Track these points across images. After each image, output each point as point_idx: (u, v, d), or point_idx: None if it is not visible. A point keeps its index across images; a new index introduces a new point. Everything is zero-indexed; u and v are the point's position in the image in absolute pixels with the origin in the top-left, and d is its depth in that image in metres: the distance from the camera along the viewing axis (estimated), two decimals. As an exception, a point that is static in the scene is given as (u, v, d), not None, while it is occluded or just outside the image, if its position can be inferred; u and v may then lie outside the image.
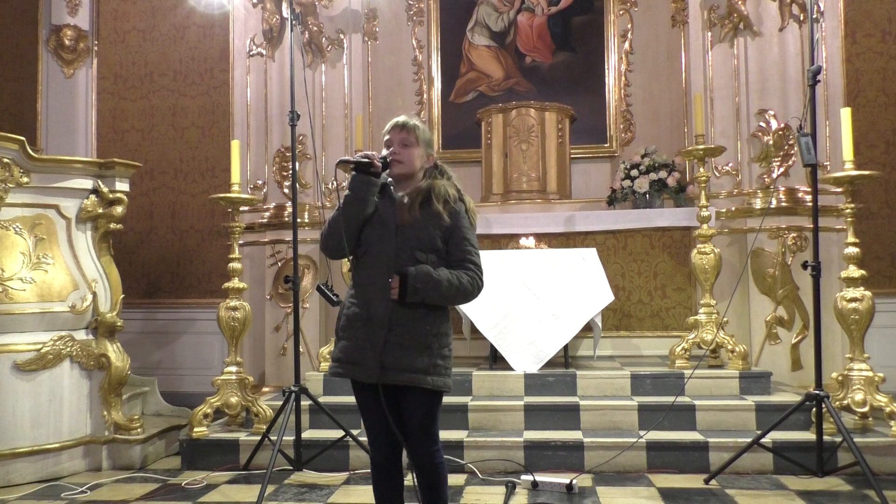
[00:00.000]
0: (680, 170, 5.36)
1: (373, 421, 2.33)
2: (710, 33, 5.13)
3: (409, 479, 2.40)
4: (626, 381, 4.14)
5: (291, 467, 3.72)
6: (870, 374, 3.69)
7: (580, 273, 4.47)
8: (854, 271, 3.74)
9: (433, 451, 2.31)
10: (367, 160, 2.26)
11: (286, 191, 5.36)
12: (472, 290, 2.29)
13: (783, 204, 4.77)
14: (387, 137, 2.40)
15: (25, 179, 3.81)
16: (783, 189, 4.81)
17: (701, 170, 4.39)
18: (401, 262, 2.24)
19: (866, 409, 3.65)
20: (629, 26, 5.93)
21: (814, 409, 3.52)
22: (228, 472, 3.81)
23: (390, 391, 2.26)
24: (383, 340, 2.22)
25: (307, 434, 3.85)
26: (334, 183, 5.52)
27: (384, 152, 2.37)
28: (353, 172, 2.30)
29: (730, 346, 4.17)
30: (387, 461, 2.37)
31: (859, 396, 3.66)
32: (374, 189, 2.30)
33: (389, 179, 2.38)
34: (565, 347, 4.35)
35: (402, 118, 2.40)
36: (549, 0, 6.04)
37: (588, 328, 4.53)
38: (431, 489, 2.32)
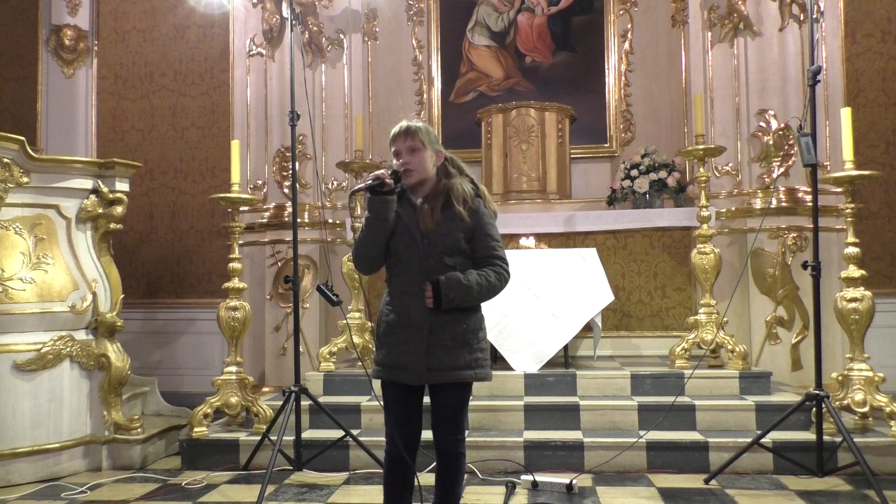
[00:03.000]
0: (680, 170, 5.36)
1: (402, 417, 2.39)
2: (710, 33, 5.13)
3: (418, 481, 2.43)
4: (626, 381, 4.14)
5: (291, 467, 3.72)
6: (870, 374, 3.69)
7: (580, 273, 4.47)
8: (854, 271, 3.74)
9: (459, 439, 2.41)
10: (378, 181, 2.29)
11: (286, 191, 5.36)
12: (500, 284, 2.38)
13: (783, 204, 4.77)
14: (393, 148, 2.40)
15: (25, 179, 3.81)
16: (783, 189, 4.81)
17: (701, 170, 4.39)
18: (430, 267, 2.31)
19: (866, 409, 3.65)
20: (629, 26, 5.93)
21: (814, 409, 3.52)
22: (228, 472, 3.80)
23: (421, 389, 2.40)
24: (426, 344, 2.30)
25: (307, 434, 3.85)
26: (334, 184, 5.52)
27: (394, 164, 2.38)
28: (368, 196, 2.32)
29: (730, 346, 4.17)
30: (402, 458, 2.39)
31: (859, 396, 3.66)
32: (394, 206, 2.33)
33: (405, 186, 2.40)
34: (565, 347, 4.35)
35: (403, 124, 2.39)
36: (549, 0, 6.04)
37: (588, 328, 4.53)
38: (452, 478, 2.40)
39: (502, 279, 2.37)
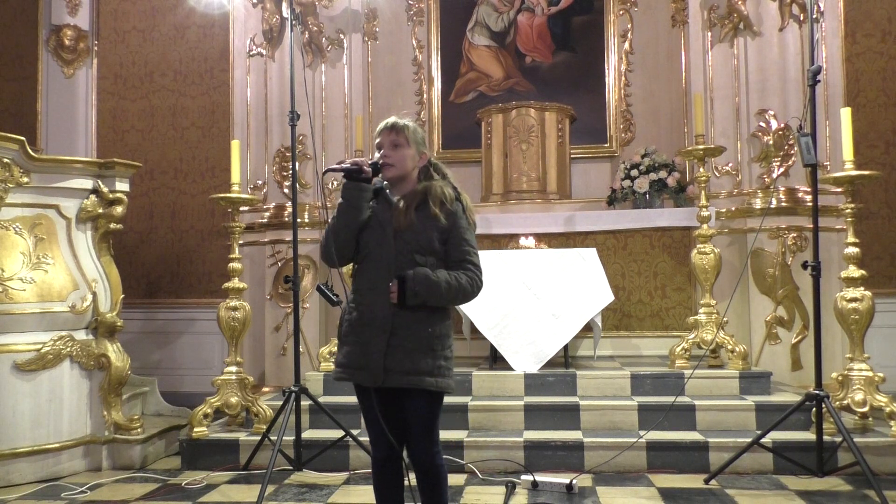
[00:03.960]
0: (680, 170, 5.36)
1: (374, 422, 2.33)
2: (710, 33, 5.13)
3: (409, 480, 2.40)
4: (626, 381, 4.14)
5: (291, 467, 3.72)
6: (870, 374, 3.69)
7: (580, 273, 4.47)
8: (854, 271, 3.74)
9: (434, 452, 2.32)
10: (355, 167, 2.26)
11: (286, 191, 5.36)
12: (471, 290, 2.29)
13: (783, 204, 4.77)
14: (377, 140, 2.38)
15: (25, 179, 3.81)
16: (783, 189, 4.81)
17: (701, 170, 4.39)
18: (400, 265, 2.25)
19: (866, 409, 3.65)
20: (629, 26, 5.93)
21: (814, 409, 3.52)
22: (228, 472, 3.81)
23: (392, 393, 2.28)
24: (386, 344, 2.23)
25: (307, 434, 3.85)
26: (334, 184, 5.52)
27: (376, 156, 2.37)
28: (344, 180, 2.30)
29: (730, 346, 4.17)
30: (388, 461, 2.38)
31: (859, 396, 3.66)
32: (367, 195, 2.30)
33: (385, 183, 2.37)
34: (565, 347, 4.35)
35: (391, 119, 2.38)
36: (549, 0, 6.04)
37: (588, 328, 4.53)
38: (432, 490, 2.33)
39: (474, 285, 2.29)
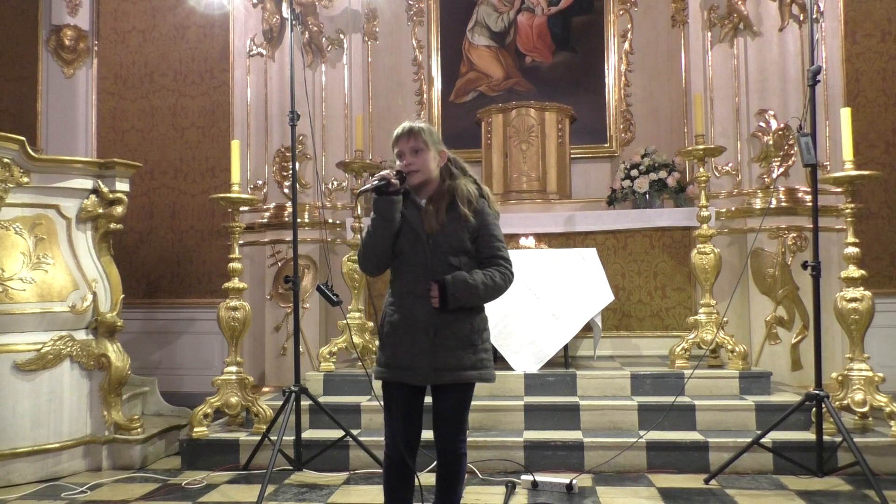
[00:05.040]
0: (680, 170, 5.36)
1: (404, 418, 2.38)
2: (710, 33, 5.14)
3: (418, 480, 2.43)
4: (626, 381, 4.14)
5: (291, 467, 3.72)
6: (870, 374, 3.69)
7: (580, 273, 4.47)
8: (854, 271, 3.74)
9: (461, 440, 2.42)
10: (384, 182, 2.29)
11: (286, 191, 5.36)
12: (505, 285, 2.38)
13: (783, 204, 4.77)
14: (397, 149, 2.40)
15: (25, 179, 3.81)
16: (783, 189, 4.81)
17: (701, 170, 4.39)
18: (435, 268, 2.31)
19: (866, 409, 3.65)
20: (629, 26, 5.93)
21: (814, 409, 3.52)
22: (228, 472, 3.80)
23: (421, 390, 2.40)
24: (430, 344, 2.30)
25: (307, 434, 3.85)
26: (334, 183, 5.52)
27: (397, 165, 2.39)
28: (374, 196, 2.32)
29: (730, 346, 4.17)
30: (402, 460, 2.39)
31: (859, 396, 3.65)
32: (399, 206, 2.34)
33: (409, 187, 2.40)
34: (565, 347, 4.35)
35: (406, 125, 2.40)
36: (549, 0, 6.04)
37: (588, 328, 4.53)
38: (454, 477, 2.40)
39: (507, 279, 2.37)
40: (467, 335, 2.34)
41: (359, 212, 4.37)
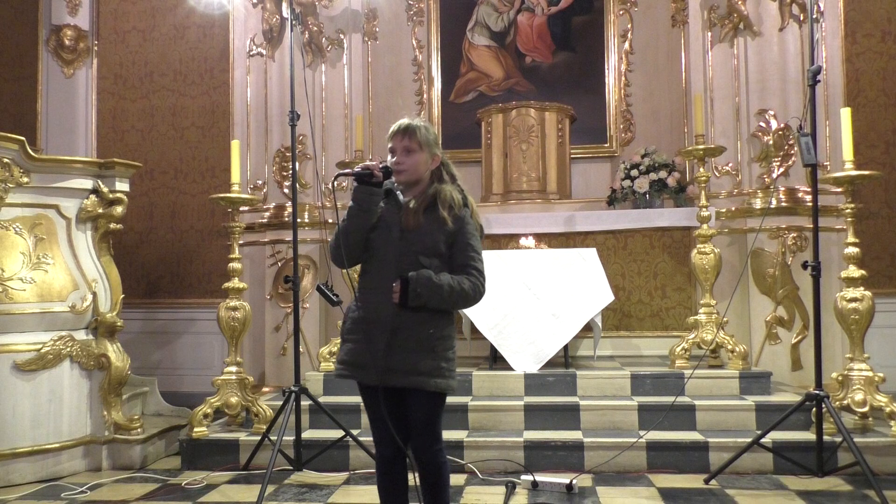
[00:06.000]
0: (680, 170, 5.36)
1: (380, 420, 2.33)
2: (710, 33, 5.13)
3: (412, 479, 2.39)
4: (626, 381, 4.14)
5: (291, 467, 3.72)
6: (870, 374, 3.69)
7: (580, 273, 4.47)
8: (854, 271, 3.74)
9: (436, 450, 2.33)
10: (367, 171, 2.27)
11: (286, 191, 5.36)
12: (473, 295, 2.29)
13: (783, 204, 4.77)
14: (390, 145, 2.38)
15: (25, 179, 3.81)
16: (783, 189, 4.81)
17: (701, 170, 4.39)
18: (404, 266, 2.25)
19: (866, 409, 3.65)
20: (629, 26, 5.93)
21: (814, 409, 3.52)
22: (228, 472, 3.80)
23: (395, 392, 2.28)
24: (387, 344, 2.24)
25: (307, 434, 3.85)
26: (335, 184, 5.51)
27: (388, 159, 2.37)
28: (355, 184, 2.30)
29: (730, 346, 4.17)
30: (393, 459, 2.38)
31: (859, 396, 3.65)
32: (378, 199, 2.30)
33: (396, 184, 2.36)
34: (565, 347, 4.35)
35: (403, 122, 2.38)
36: (549, 0, 6.04)
37: (588, 328, 4.53)
38: (433, 487, 2.33)
39: (476, 290, 2.28)
40: (426, 339, 2.25)
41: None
